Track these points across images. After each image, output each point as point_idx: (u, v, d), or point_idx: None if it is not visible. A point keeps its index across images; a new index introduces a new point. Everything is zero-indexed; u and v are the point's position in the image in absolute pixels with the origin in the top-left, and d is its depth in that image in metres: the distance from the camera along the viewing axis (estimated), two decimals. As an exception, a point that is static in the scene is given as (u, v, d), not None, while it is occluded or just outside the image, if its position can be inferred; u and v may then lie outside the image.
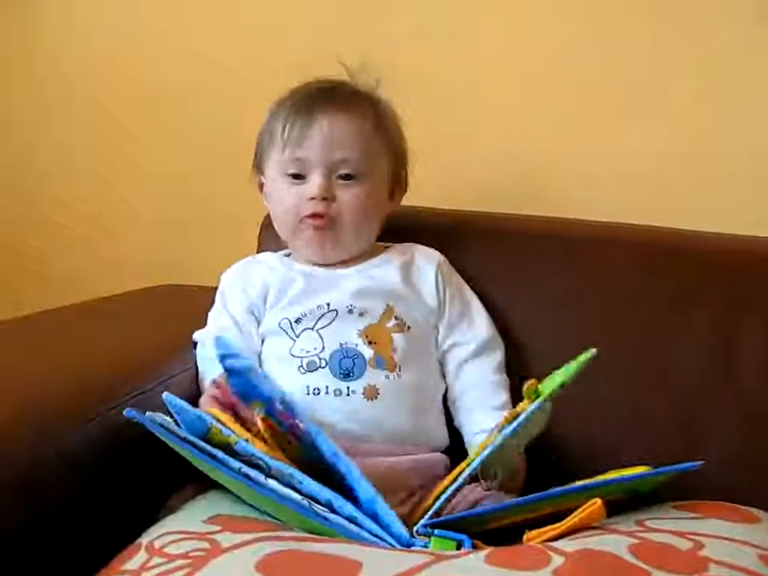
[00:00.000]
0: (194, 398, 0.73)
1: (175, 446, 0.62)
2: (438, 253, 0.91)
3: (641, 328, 0.90)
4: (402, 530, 0.59)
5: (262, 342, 0.85)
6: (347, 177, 0.84)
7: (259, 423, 0.64)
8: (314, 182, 0.84)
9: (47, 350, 0.80)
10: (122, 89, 1.34)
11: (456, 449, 0.83)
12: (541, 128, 1.15)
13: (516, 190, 1.14)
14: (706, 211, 1.06)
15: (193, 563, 0.52)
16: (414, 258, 0.89)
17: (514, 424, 0.64)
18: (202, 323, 0.87)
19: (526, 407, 0.65)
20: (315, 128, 0.83)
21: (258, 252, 0.99)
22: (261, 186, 0.92)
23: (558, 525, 0.59)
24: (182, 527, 0.59)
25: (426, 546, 0.59)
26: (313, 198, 0.83)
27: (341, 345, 0.80)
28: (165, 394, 0.65)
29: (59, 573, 0.63)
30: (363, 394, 0.78)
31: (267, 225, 0.99)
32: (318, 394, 0.78)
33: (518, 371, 0.86)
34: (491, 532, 0.62)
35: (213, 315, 0.87)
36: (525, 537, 0.60)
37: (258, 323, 0.85)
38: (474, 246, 0.95)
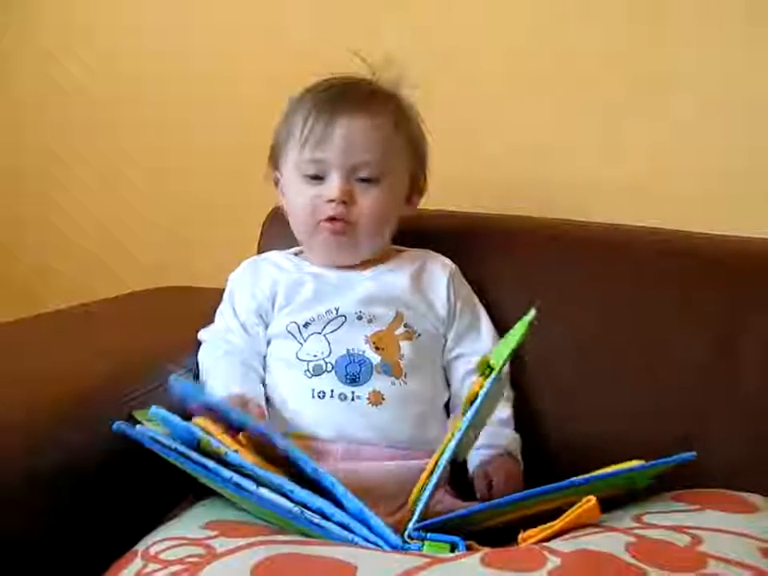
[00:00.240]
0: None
1: (168, 458, 0.62)
2: (451, 262, 0.90)
3: (642, 328, 0.90)
4: (395, 537, 0.59)
5: (268, 343, 0.84)
6: (366, 180, 0.83)
7: (242, 439, 0.64)
8: (333, 185, 0.83)
9: (48, 351, 0.80)
10: (122, 89, 1.34)
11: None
12: (541, 128, 1.15)
13: (516, 191, 1.14)
14: (706, 211, 1.06)
15: (189, 569, 0.52)
16: (426, 265, 0.89)
17: (475, 405, 0.64)
18: (205, 324, 0.87)
19: (483, 384, 0.64)
20: (336, 129, 0.82)
21: (259, 251, 0.99)
22: (276, 182, 0.91)
23: (552, 524, 0.59)
24: (177, 533, 0.60)
25: (419, 550, 0.59)
26: (331, 201, 0.83)
27: (348, 350, 0.80)
28: (153, 408, 0.65)
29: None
30: (368, 399, 0.78)
31: (269, 225, 0.99)
32: (324, 397, 0.78)
33: (522, 370, 0.86)
34: (485, 532, 0.62)
35: (220, 315, 0.87)
36: (519, 537, 0.60)
37: (266, 326, 0.85)
38: (478, 248, 0.95)
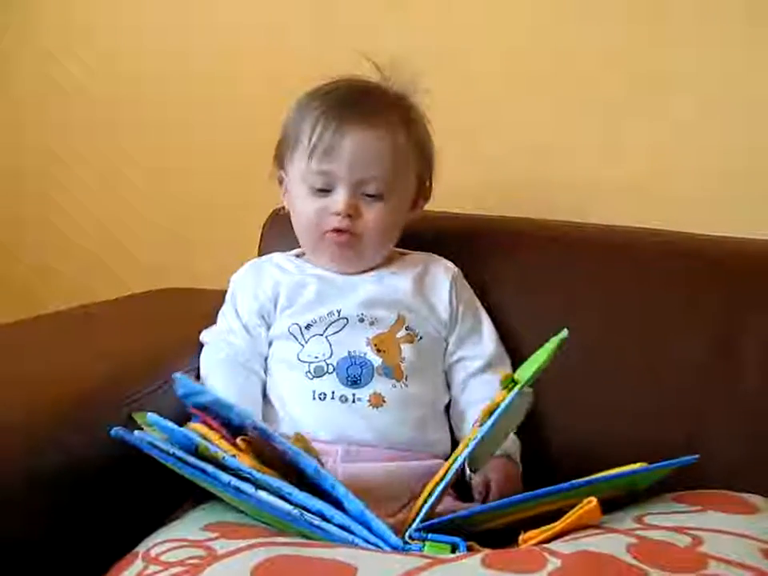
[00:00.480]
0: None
1: (166, 463, 0.62)
2: (454, 265, 0.90)
3: (643, 329, 0.90)
4: (395, 538, 0.59)
5: (270, 344, 0.84)
6: (372, 195, 0.83)
7: (240, 444, 0.64)
8: (340, 199, 0.82)
9: (48, 353, 0.80)
10: (121, 89, 1.34)
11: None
12: (540, 129, 1.15)
13: (516, 192, 1.14)
14: (706, 211, 1.06)
15: (189, 570, 0.52)
16: (429, 269, 0.88)
17: (493, 417, 0.64)
18: (206, 326, 0.87)
19: (504, 398, 0.64)
20: (344, 141, 0.81)
21: (260, 253, 0.99)
22: (280, 180, 0.90)
23: (553, 525, 0.59)
24: (178, 535, 0.60)
25: (420, 551, 0.58)
26: (337, 214, 0.82)
27: (349, 352, 0.80)
28: (149, 414, 0.66)
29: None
30: (369, 401, 0.78)
31: (269, 227, 0.99)
32: (324, 399, 0.78)
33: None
34: (486, 533, 0.62)
35: (222, 316, 0.87)
36: (520, 538, 0.60)
37: (268, 327, 0.85)
38: (481, 250, 0.95)
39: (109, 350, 0.82)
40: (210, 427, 0.66)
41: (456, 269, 0.90)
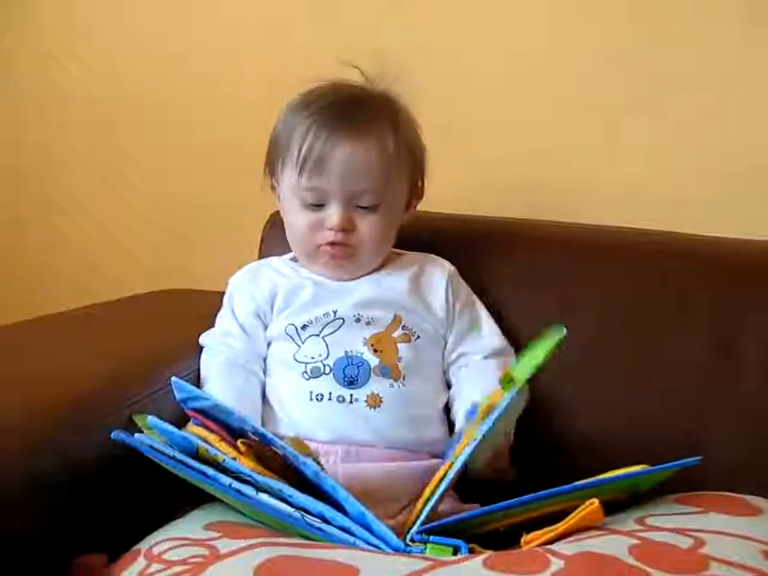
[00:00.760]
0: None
1: (167, 466, 0.62)
2: (449, 264, 0.90)
3: (641, 329, 0.90)
4: (397, 540, 0.59)
5: (268, 345, 0.84)
6: (365, 207, 0.82)
7: (241, 447, 0.64)
8: (334, 213, 0.82)
9: (48, 354, 0.80)
10: (121, 89, 1.34)
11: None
12: (540, 129, 1.15)
13: (516, 193, 1.14)
14: (706, 211, 1.06)
15: (192, 569, 0.52)
16: (425, 268, 0.88)
17: (493, 417, 0.64)
18: (207, 327, 0.87)
19: (503, 397, 0.64)
20: (335, 156, 0.80)
21: (260, 255, 0.99)
22: (273, 188, 0.89)
23: (555, 527, 0.59)
24: (180, 534, 0.60)
25: (422, 553, 0.58)
26: (331, 229, 0.82)
27: (346, 352, 0.80)
28: (149, 418, 0.66)
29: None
30: (366, 401, 0.78)
31: (269, 229, 0.99)
32: (321, 400, 0.78)
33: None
34: (488, 535, 0.62)
35: (220, 319, 0.87)
36: (522, 540, 0.60)
37: (265, 327, 0.85)
38: (478, 250, 0.95)
39: (108, 351, 0.82)
40: (210, 430, 0.66)
41: (452, 267, 0.90)
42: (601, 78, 1.12)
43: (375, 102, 0.86)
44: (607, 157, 1.13)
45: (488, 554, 0.56)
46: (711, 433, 0.85)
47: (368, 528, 0.60)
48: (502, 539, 0.61)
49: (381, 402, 0.78)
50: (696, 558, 0.54)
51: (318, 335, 0.81)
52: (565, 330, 0.65)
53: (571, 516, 0.59)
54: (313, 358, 0.80)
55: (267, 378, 0.83)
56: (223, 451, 0.63)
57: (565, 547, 0.55)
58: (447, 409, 0.85)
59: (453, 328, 0.86)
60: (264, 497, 0.61)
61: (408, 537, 0.60)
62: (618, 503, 0.64)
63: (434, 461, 0.79)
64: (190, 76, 1.29)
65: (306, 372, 0.80)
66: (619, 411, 0.88)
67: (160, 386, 0.77)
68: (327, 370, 0.79)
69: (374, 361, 0.80)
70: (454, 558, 0.57)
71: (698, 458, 0.65)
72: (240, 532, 0.59)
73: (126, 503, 0.71)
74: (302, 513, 0.60)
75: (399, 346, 0.82)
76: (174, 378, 0.71)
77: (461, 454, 0.65)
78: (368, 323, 0.82)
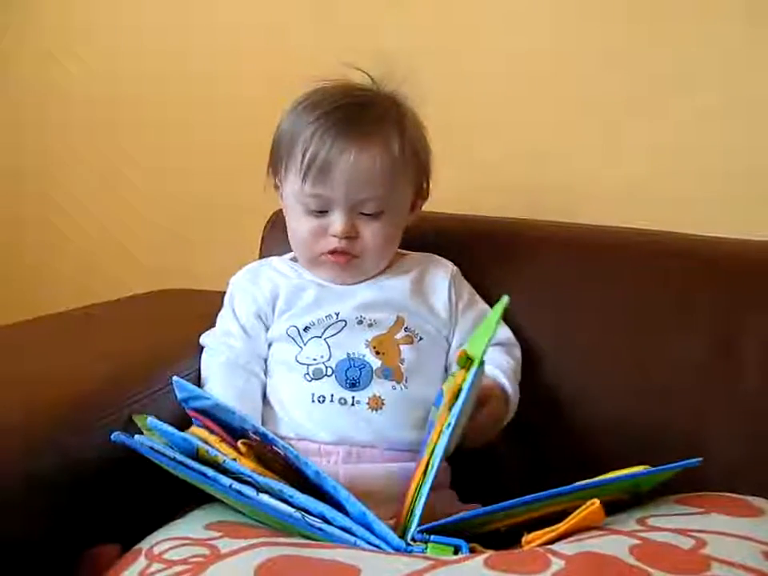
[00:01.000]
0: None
1: (167, 468, 0.62)
2: (452, 264, 0.90)
3: (641, 329, 0.90)
4: (398, 540, 0.59)
5: (269, 346, 0.84)
6: (369, 214, 0.82)
7: (241, 447, 0.64)
8: (337, 221, 0.81)
9: (48, 354, 0.80)
10: (121, 89, 1.34)
11: (458, 457, 0.83)
12: (540, 129, 1.15)
13: (516, 193, 1.14)
14: (706, 212, 1.06)
15: (192, 569, 0.52)
16: (427, 270, 0.88)
17: (462, 397, 0.63)
18: (207, 327, 0.86)
19: (466, 377, 0.63)
20: (339, 164, 0.79)
21: (260, 255, 0.98)
22: (276, 187, 0.88)
23: (556, 526, 0.59)
24: (181, 533, 0.60)
25: (422, 553, 0.58)
26: (335, 236, 0.81)
27: (348, 354, 0.80)
28: (149, 419, 0.65)
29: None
30: (368, 404, 0.78)
31: (270, 229, 0.99)
32: (323, 401, 0.78)
33: (523, 371, 0.86)
34: (488, 535, 0.62)
35: (221, 319, 0.86)
36: (523, 539, 0.60)
37: (266, 328, 0.84)
38: (479, 250, 0.95)
39: (108, 351, 0.82)
40: (211, 431, 0.66)
41: (454, 267, 0.90)
42: (601, 78, 1.12)
43: (381, 105, 0.84)
44: (607, 157, 1.13)
45: (489, 553, 0.56)
46: (711, 433, 0.85)
47: (369, 528, 0.60)
48: (503, 539, 0.61)
49: (383, 404, 0.78)
50: (697, 559, 0.53)
51: (320, 337, 0.81)
52: (507, 298, 0.63)
53: (572, 516, 0.59)
54: (315, 359, 0.80)
55: (268, 378, 0.83)
56: (223, 452, 0.63)
57: (566, 547, 0.55)
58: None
59: (456, 328, 0.86)
60: (265, 497, 0.61)
61: (409, 536, 0.60)
62: (619, 504, 0.64)
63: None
64: (190, 76, 1.29)
65: (307, 374, 0.79)
66: (619, 411, 0.88)
67: (160, 385, 0.77)
68: (329, 371, 0.79)
69: (376, 363, 0.79)
70: (455, 557, 0.57)
71: (699, 459, 0.65)
72: (241, 532, 0.59)
73: (126, 503, 0.71)
74: (303, 513, 0.60)
75: (402, 347, 0.81)
76: (175, 378, 0.71)
77: (438, 441, 0.64)
78: (370, 325, 0.82)
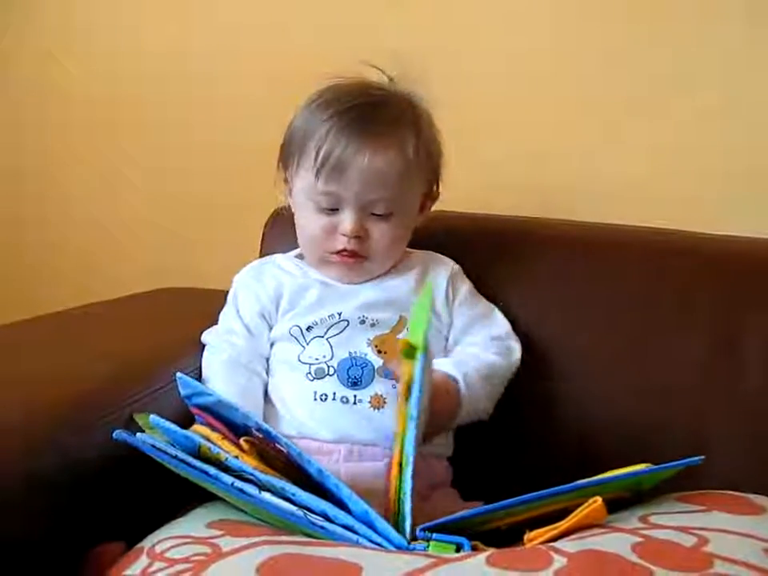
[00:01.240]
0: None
1: (169, 466, 0.62)
2: (452, 262, 0.90)
3: (642, 328, 0.90)
4: (400, 538, 0.59)
5: (271, 345, 0.84)
6: (379, 215, 0.82)
7: (244, 445, 0.64)
8: (348, 220, 0.81)
9: (48, 353, 0.80)
10: (121, 89, 1.34)
11: (459, 456, 0.83)
12: (542, 131, 1.15)
13: (516, 192, 1.14)
14: (706, 211, 1.06)
15: (194, 567, 0.52)
16: (428, 269, 0.88)
17: (417, 387, 0.61)
18: (207, 326, 0.86)
19: (414, 367, 0.62)
20: (353, 163, 0.79)
21: (261, 254, 0.98)
22: (285, 181, 0.88)
23: (558, 524, 0.59)
24: (183, 532, 0.60)
25: (424, 550, 0.58)
26: (345, 235, 0.81)
27: (350, 353, 0.80)
28: (151, 416, 0.65)
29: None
30: (370, 402, 0.78)
31: (271, 227, 0.99)
32: (325, 400, 0.78)
33: (524, 370, 0.86)
34: (490, 533, 0.61)
35: (223, 316, 0.86)
36: (525, 537, 0.59)
37: (270, 328, 0.84)
38: (481, 248, 0.95)
39: (109, 350, 0.82)
40: (213, 428, 0.66)
41: (456, 266, 0.90)
42: (601, 78, 1.13)
43: (397, 106, 0.84)
44: (607, 157, 1.13)
45: (491, 551, 0.56)
46: (713, 432, 0.85)
47: (371, 526, 0.60)
48: (505, 537, 0.61)
49: (384, 402, 0.78)
50: (700, 556, 0.53)
51: (322, 336, 0.81)
52: (430, 283, 0.64)
53: (574, 514, 0.58)
54: (317, 359, 0.80)
55: (269, 377, 0.83)
56: (226, 449, 0.63)
57: (568, 545, 0.55)
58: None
59: (453, 326, 0.86)
60: (267, 495, 0.61)
61: (407, 535, 0.59)
62: (621, 501, 0.64)
63: (435, 460, 0.80)
64: (190, 76, 1.29)
65: (310, 373, 0.79)
66: (621, 410, 0.88)
67: (161, 384, 0.77)
68: (331, 371, 0.79)
69: (378, 362, 0.80)
70: (456, 555, 0.56)
71: (700, 457, 0.65)
72: (242, 530, 0.59)
73: (127, 502, 0.70)
74: (305, 511, 0.60)
75: None
76: (178, 374, 0.71)
77: (405, 432, 0.62)
78: (373, 325, 0.82)
